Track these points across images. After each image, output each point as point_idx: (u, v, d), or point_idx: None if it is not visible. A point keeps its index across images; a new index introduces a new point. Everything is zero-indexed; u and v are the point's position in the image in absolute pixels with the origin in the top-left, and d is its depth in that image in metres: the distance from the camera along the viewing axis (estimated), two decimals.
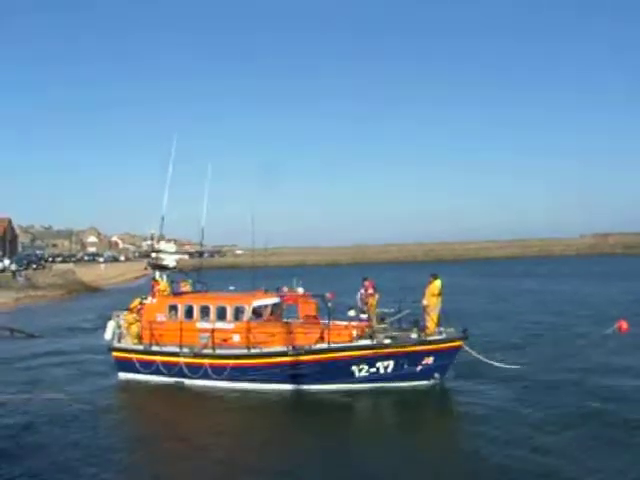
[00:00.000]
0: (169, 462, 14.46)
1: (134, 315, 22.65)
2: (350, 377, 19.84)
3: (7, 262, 79.84)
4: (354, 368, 19.79)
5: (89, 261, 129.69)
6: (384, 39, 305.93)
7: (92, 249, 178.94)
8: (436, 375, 19.92)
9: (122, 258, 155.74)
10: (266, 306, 21.99)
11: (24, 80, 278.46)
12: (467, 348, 20.18)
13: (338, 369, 19.58)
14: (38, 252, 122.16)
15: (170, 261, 24.89)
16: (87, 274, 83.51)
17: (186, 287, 24.23)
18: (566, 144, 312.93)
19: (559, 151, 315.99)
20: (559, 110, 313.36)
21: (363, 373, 19.88)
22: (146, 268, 26.75)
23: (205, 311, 21.37)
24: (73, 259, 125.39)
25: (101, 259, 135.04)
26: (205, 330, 21.03)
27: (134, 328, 22.46)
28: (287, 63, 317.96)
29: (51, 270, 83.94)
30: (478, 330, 31.47)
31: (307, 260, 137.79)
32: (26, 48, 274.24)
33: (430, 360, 19.74)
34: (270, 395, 19.67)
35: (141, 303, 22.93)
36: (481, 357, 20.49)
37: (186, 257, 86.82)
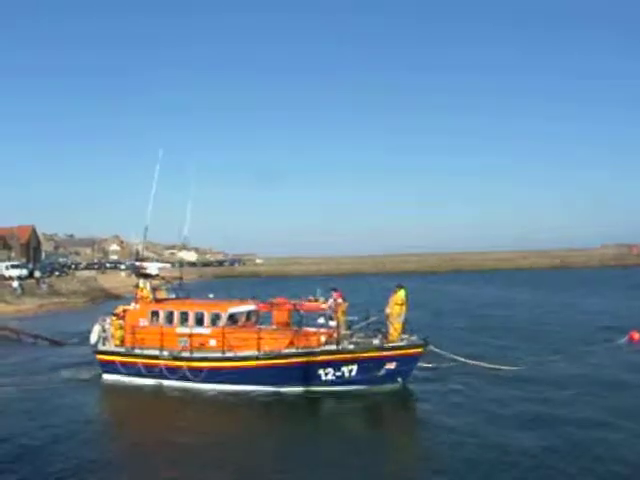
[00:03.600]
0: (158, 465, 14.88)
1: (120, 321, 23.85)
2: (317, 380, 20.90)
3: (26, 271, 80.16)
4: (321, 372, 20.84)
5: (111, 269, 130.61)
6: (384, 46, 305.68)
7: (114, 257, 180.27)
8: (399, 379, 20.89)
9: (169, 265, 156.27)
10: (241, 313, 23.16)
11: (45, 86, 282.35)
12: (437, 350, 21.63)
13: (306, 372, 20.70)
14: (61, 259, 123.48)
15: (153, 270, 26.29)
16: (109, 281, 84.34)
17: (161, 294, 25.27)
18: (587, 155, 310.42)
19: (579, 161, 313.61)
20: (581, 121, 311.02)
21: (329, 377, 20.90)
22: (129, 276, 28.03)
23: (184, 317, 22.67)
24: (95, 266, 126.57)
25: (123, 267, 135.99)
26: (184, 335, 22.30)
27: (119, 333, 23.65)
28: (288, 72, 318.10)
29: (74, 277, 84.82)
30: (479, 337, 32.65)
31: (327, 269, 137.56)
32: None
33: (393, 365, 20.71)
34: (244, 397, 20.66)
35: (124, 310, 24.22)
36: (464, 359, 22.38)
37: (168, 266, 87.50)
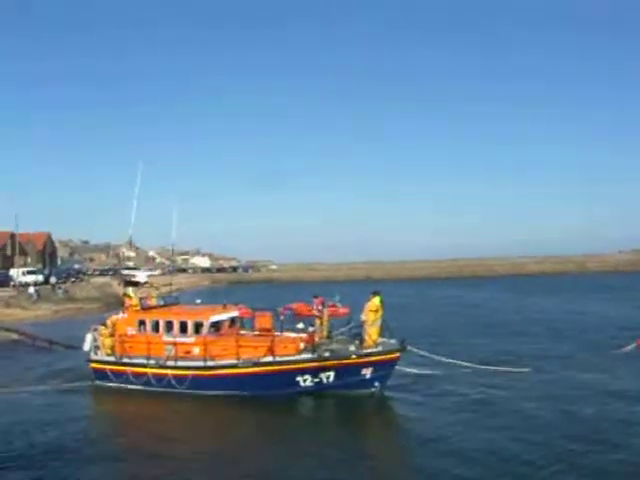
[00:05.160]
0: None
1: (109, 330, 24.58)
2: (296, 386, 21.52)
3: (42, 277, 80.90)
4: (299, 378, 21.48)
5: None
6: (385, 54, 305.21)
7: (129, 263, 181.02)
8: (376, 384, 21.42)
9: (158, 272, 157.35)
10: (223, 320, 23.80)
11: (55, 96, 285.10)
12: (422, 352, 22.67)
13: (284, 379, 21.31)
14: (76, 266, 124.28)
15: (142, 277, 27.42)
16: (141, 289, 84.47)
17: (152, 300, 25.98)
18: (602, 158, 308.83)
19: (594, 164, 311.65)
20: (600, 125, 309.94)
21: (308, 383, 21.55)
22: (119, 284, 29.42)
23: (169, 325, 23.34)
24: (110, 272, 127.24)
25: (156, 273, 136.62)
26: (169, 343, 22.99)
27: (109, 341, 24.39)
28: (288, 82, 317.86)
29: (89, 283, 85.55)
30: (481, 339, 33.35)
31: (341, 275, 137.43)
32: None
33: (369, 370, 21.25)
34: (227, 402, 21.36)
35: (113, 319, 24.89)
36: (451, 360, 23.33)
37: (156, 273, 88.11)
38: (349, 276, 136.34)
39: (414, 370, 23.69)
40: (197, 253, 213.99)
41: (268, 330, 23.37)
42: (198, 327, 22.84)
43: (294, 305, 24.76)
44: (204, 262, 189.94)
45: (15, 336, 37.32)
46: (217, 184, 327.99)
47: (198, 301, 26.82)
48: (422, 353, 23.20)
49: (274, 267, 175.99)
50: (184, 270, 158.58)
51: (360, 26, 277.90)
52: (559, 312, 49.25)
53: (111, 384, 23.84)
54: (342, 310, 23.86)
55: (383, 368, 21.27)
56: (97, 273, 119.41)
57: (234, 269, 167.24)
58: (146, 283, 27.63)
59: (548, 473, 13.90)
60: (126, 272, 27.81)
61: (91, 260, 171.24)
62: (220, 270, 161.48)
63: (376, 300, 21.70)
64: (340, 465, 14.96)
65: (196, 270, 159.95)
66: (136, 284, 26.57)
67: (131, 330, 24.03)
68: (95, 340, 24.76)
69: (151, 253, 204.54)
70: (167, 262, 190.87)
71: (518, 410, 19.05)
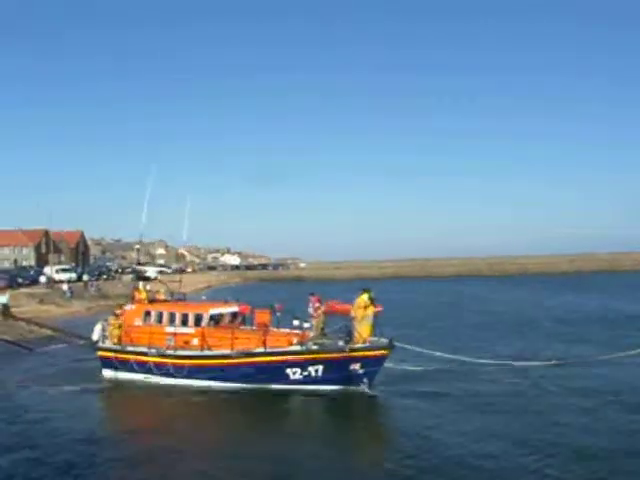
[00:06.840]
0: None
1: (119, 321, 25.81)
2: (285, 379, 22.20)
3: (75, 274, 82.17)
4: (288, 371, 22.15)
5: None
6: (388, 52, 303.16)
7: (160, 261, 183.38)
8: (365, 380, 21.63)
9: (189, 270, 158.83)
10: (223, 314, 24.90)
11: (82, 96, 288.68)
12: (407, 346, 23.08)
13: (274, 371, 22.02)
14: (108, 264, 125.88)
15: (152, 273, 28.70)
16: (154, 285, 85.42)
17: (160, 295, 27.43)
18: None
19: (626, 163, 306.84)
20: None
21: (297, 376, 22.17)
22: (133, 280, 30.53)
23: (172, 317, 24.55)
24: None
25: (169, 270, 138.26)
26: (171, 334, 24.15)
27: (117, 331, 25.59)
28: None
29: (120, 281, 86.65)
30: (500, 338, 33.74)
31: (369, 274, 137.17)
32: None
33: (357, 366, 21.60)
34: (222, 394, 22.03)
35: (121, 308, 26.45)
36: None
37: (166, 270, 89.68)
38: (378, 274, 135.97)
39: (407, 366, 24.26)
40: (227, 251, 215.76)
41: (265, 326, 24.05)
42: (198, 319, 23.92)
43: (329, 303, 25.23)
44: (234, 260, 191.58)
45: (50, 332, 38.13)
46: (246, 183, 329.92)
47: (203, 297, 28.11)
48: (416, 349, 23.77)
49: (303, 265, 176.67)
50: (213, 268, 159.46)
51: (360, 24, 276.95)
52: (587, 310, 48.97)
53: (116, 372, 25.12)
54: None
55: (371, 364, 21.53)
56: (129, 271, 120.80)
57: (264, 267, 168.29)
58: (156, 279, 28.89)
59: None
60: (139, 268, 29.63)
61: (123, 258, 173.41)
62: (249, 268, 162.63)
63: (364, 297, 22.02)
64: (334, 463, 14.93)
65: (225, 268, 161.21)
66: (146, 279, 28.05)
67: (137, 321, 25.30)
68: (104, 330, 26.05)
69: (181, 251, 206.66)
70: (197, 260, 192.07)
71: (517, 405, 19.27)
